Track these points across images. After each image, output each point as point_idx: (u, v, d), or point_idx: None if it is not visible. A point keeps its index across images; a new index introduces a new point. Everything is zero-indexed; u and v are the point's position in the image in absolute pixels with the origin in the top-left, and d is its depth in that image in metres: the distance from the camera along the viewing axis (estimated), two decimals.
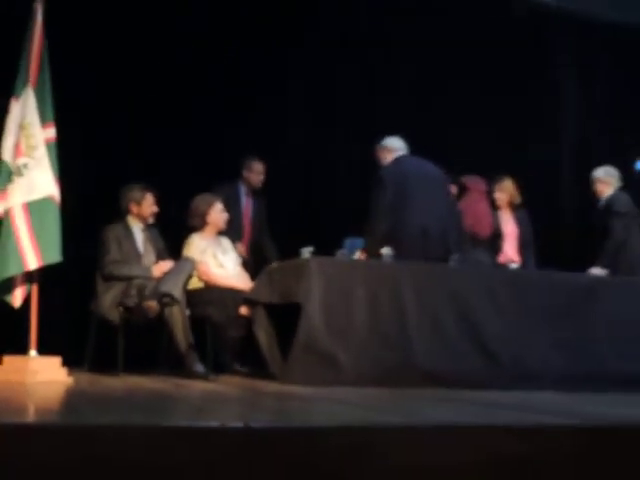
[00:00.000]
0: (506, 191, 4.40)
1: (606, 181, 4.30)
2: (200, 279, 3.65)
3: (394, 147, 4.06)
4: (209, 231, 3.71)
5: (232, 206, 4.13)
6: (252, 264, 4.06)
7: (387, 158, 4.01)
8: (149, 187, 3.72)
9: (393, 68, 5.06)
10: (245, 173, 4.25)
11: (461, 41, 5.04)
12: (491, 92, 5.16)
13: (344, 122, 4.86)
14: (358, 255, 3.68)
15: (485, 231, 4.22)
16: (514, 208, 4.47)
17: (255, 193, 4.33)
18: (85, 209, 3.98)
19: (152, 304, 3.35)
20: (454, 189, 4.30)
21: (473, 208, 4.22)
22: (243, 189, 4.28)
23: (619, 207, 4.19)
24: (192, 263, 3.52)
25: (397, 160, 3.98)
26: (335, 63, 4.94)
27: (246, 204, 4.32)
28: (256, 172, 4.29)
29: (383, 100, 4.98)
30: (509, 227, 4.44)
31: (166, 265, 3.57)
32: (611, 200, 4.26)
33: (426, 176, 3.83)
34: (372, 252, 3.61)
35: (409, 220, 3.67)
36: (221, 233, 3.85)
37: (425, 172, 3.85)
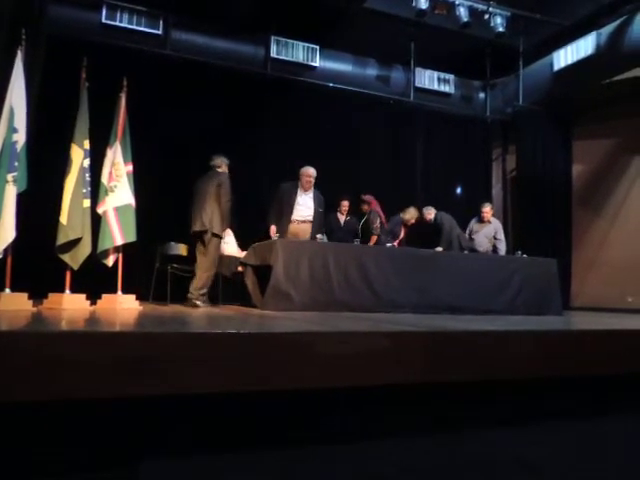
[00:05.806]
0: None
1: (430, 212, 6.46)
2: None
3: None
4: None
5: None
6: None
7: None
8: None
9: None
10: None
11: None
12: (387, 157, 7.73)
13: None
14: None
15: None
16: None
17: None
18: (149, 211, 5.12)
19: None
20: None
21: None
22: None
23: (443, 220, 6.24)
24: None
25: None
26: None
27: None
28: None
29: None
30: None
31: None
32: (436, 217, 6.33)
33: None
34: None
35: None
36: None
37: None
